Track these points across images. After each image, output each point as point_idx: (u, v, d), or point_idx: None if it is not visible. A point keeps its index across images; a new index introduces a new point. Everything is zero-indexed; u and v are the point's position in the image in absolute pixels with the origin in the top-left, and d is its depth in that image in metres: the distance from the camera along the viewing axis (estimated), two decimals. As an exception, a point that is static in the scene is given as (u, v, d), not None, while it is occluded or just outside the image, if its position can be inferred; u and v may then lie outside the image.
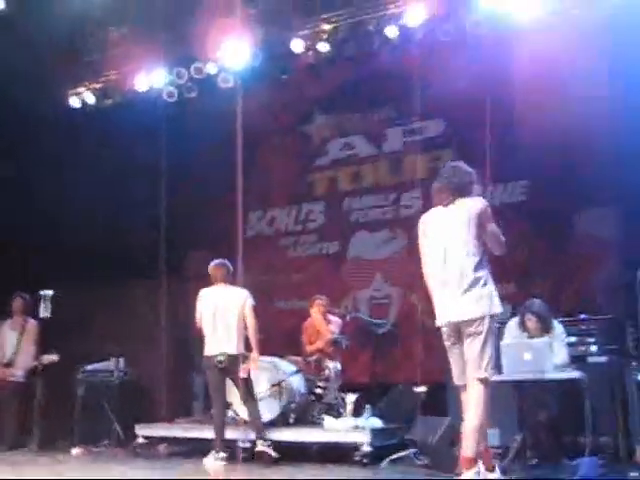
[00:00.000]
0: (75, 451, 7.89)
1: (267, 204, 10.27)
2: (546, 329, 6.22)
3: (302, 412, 7.63)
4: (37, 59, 8.91)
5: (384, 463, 6.59)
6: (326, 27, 8.81)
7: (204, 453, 7.00)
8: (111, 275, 9.19)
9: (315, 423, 7.46)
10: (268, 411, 7.35)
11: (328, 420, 7.20)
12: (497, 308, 4.95)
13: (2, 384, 8.53)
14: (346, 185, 9.86)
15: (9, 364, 8.59)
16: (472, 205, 5.06)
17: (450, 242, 5.02)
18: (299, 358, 8.07)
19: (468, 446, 4.78)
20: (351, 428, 7.00)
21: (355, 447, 6.74)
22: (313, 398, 7.74)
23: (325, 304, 8.28)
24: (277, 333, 8.84)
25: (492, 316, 4.94)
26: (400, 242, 9.28)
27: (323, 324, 8.20)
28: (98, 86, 9.93)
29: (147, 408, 8.91)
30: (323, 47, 8.86)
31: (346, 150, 9.89)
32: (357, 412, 7.33)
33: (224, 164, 9.42)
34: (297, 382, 7.68)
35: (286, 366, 7.76)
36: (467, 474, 4.74)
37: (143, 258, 9.80)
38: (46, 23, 8.67)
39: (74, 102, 9.99)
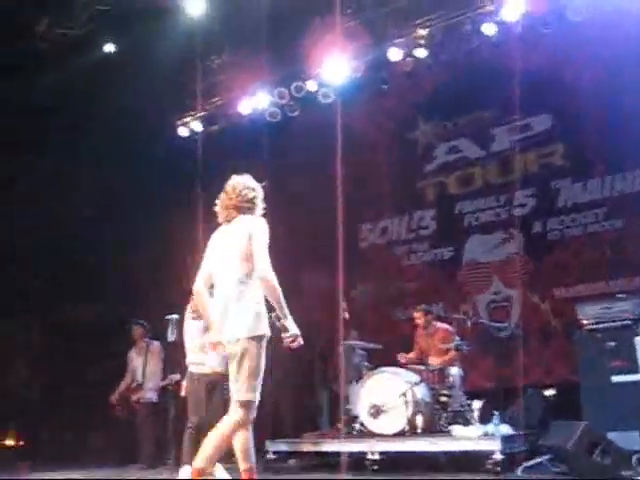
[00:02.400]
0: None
1: (378, 215, 10.26)
2: None
3: (429, 422, 7.53)
4: (147, 94, 9.26)
5: (519, 471, 6.40)
6: (421, 32, 8.74)
7: (333, 466, 7.02)
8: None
9: (443, 432, 7.35)
10: (395, 422, 7.30)
11: (457, 428, 7.07)
12: (261, 330, 4.68)
13: (136, 406, 8.90)
14: (456, 189, 9.73)
15: (140, 387, 8.95)
16: (250, 224, 4.82)
17: (224, 260, 4.79)
18: (422, 367, 7.98)
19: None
20: (481, 436, 6.86)
21: (486, 455, 6.59)
22: (439, 407, 7.63)
23: (423, 313, 8.20)
24: (396, 343, 8.78)
25: (255, 338, 4.66)
26: (516, 242, 9.07)
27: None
28: (204, 114, 10.21)
29: (274, 424, 9.02)
30: (421, 53, 8.79)
31: (453, 154, 9.76)
32: (485, 419, 7.17)
33: (330, 178, 9.48)
34: (421, 392, 7.59)
35: (409, 376, 7.69)
36: None
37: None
38: (153, 58, 9.02)
39: (182, 132, 10.30)
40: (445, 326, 8.21)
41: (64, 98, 9.48)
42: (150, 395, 8.94)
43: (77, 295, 10.60)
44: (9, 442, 10.68)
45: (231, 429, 4.67)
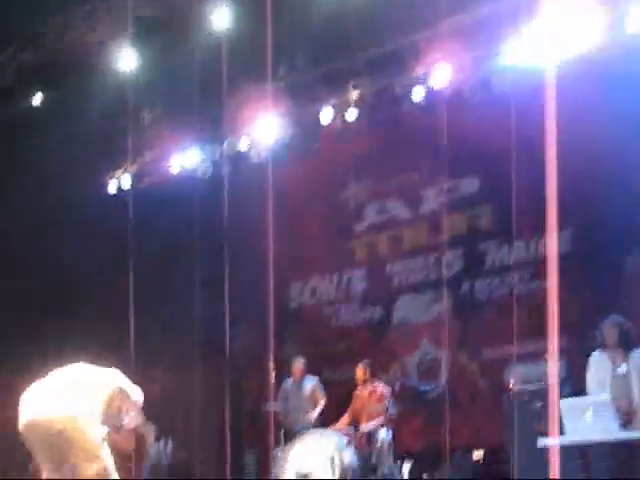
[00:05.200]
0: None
1: (308, 274, 10.22)
2: (627, 346, 5.79)
3: (357, 486, 7.38)
4: (77, 150, 9.11)
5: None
6: (353, 94, 8.87)
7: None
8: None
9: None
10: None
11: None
12: None
13: None
14: (386, 249, 9.78)
15: None
16: None
17: None
18: (350, 429, 7.86)
19: None
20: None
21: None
22: (368, 471, 7.50)
23: (363, 369, 8.11)
24: (327, 404, 8.66)
25: None
26: (445, 303, 9.12)
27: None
28: (133, 169, 10.09)
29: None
30: (351, 114, 8.92)
31: (383, 214, 9.84)
32: (414, 481, 7.08)
33: (261, 238, 9.41)
34: (349, 455, 7.45)
35: (337, 439, 7.55)
36: None
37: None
38: (83, 113, 8.90)
39: (111, 188, 10.15)
40: (383, 386, 8.13)
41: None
42: None
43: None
44: None
45: None
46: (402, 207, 9.73)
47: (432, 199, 9.44)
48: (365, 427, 7.77)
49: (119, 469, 4.81)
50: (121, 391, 4.94)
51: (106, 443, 4.59)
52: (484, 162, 8.65)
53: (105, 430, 4.65)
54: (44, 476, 4.76)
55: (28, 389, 4.85)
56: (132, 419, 4.85)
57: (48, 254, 9.61)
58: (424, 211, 9.55)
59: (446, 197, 9.28)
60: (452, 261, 9.15)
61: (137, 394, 5.01)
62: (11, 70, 8.94)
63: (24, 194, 9.38)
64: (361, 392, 8.14)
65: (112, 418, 4.73)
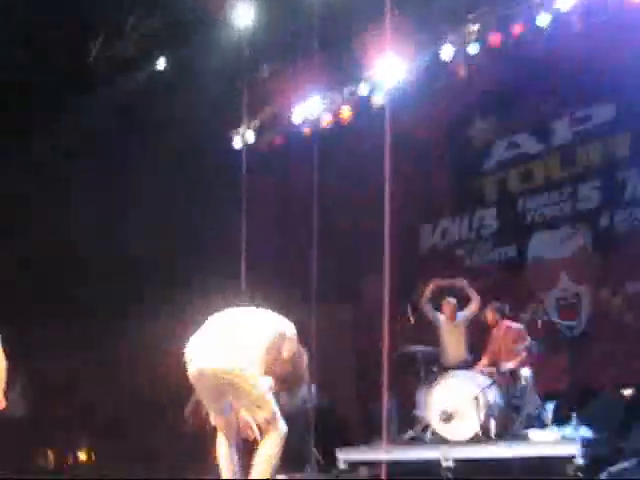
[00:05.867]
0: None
1: (437, 215, 10.07)
2: None
3: (502, 426, 7.31)
4: (200, 108, 9.27)
5: (603, 476, 6.13)
6: (474, 27, 8.55)
7: (407, 474, 6.87)
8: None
9: (517, 437, 7.12)
10: (467, 428, 7.11)
11: (534, 433, 6.83)
12: None
13: None
14: (517, 186, 9.49)
15: None
16: None
17: None
18: (493, 369, 7.75)
19: None
20: (560, 439, 6.61)
21: (567, 460, 6.33)
22: (512, 410, 7.40)
23: (493, 312, 7.94)
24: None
25: None
26: (583, 237, 8.79)
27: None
28: (257, 123, 10.17)
29: (342, 433, 8.89)
30: (473, 49, 8.60)
31: (512, 150, 9.53)
32: (561, 421, 6.93)
33: (386, 183, 9.31)
34: (494, 395, 7.38)
35: (481, 379, 7.49)
36: None
37: (323, 284, 9.86)
38: (203, 71, 9.03)
39: (236, 142, 10.27)
40: (517, 326, 7.94)
41: (123, 115, 9.58)
42: None
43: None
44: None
45: None
46: (532, 141, 9.37)
47: (564, 130, 9.04)
48: (506, 366, 7.66)
49: (276, 392, 4.97)
50: (278, 335, 5.06)
51: (271, 392, 4.72)
52: (620, 87, 8.18)
53: (270, 381, 4.77)
54: (212, 420, 4.97)
55: (192, 336, 5.00)
56: (289, 352, 5.00)
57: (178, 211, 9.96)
58: (555, 143, 9.16)
59: (579, 127, 8.87)
60: (589, 194, 8.78)
61: (291, 330, 5.12)
62: (135, 37, 9.16)
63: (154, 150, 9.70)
64: (496, 333, 8.00)
65: (272, 359, 4.87)
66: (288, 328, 4.74)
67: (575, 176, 8.94)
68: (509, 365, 7.60)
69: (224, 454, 4.69)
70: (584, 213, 8.70)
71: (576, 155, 8.96)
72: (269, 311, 4.86)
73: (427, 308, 8.30)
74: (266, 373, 4.55)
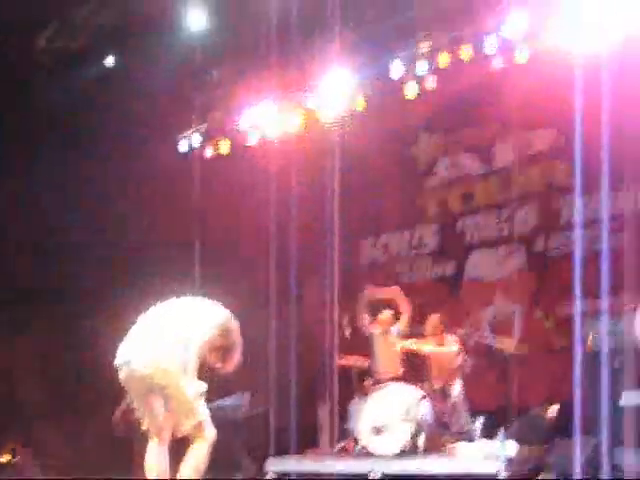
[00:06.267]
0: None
1: (378, 230, 10.18)
2: None
3: (431, 441, 7.41)
4: (149, 108, 9.21)
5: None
6: (424, 46, 8.67)
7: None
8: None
9: (445, 452, 7.23)
10: (396, 442, 7.19)
11: (462, 448, 6.94)
12: None
13: None
14: (458, 205, 9.66)
15: None
16: None
17: None
18: (424, 384, 7.86)
19: None
20: (485, 455, 6.73)
21: (491, 477, 6.45)
22: (441, 426, 7.52)
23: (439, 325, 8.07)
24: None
25: None
26: (519, 258, 8.99)
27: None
28: (203, 128, 10.13)
29: (276, 443, 8.87)
30: (422, 67, 8.73)
31: (455, 169, 9.70)
32: (488, 437, 7.06)
33: (332, 195, 9.38)
34: (424, 410, 7.48)
35: (412, 393, 7.58)
36: None
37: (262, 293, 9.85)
38: (153, 73, 8.98)
39: (183, 146, 10.22)
40: (454, 341, 8.09)
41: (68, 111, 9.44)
42: None
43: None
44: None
45: None
46: (474, 162, 9.56)
47: (506, 153, 9.24)
48: (438, 382, 7.77)
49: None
50: (216, 329, 4.97)
51: (202, 398, 4.69)
52: (563, 114, 8.38)
53: (202, 386, 4.76)
54: (144, 424, 4.90)
55: (123, 338, 4.91)
56: (228, 360, 4.91)
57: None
58: (497, 166, 9.36)
59: (520, 151, 9.08)
60: (525, 217, 8.99)
61: (227, 318, 4.98)
62: (85, 32, 9.06)
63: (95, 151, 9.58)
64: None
65: (208, 352, 4.81)
66: (225, 319, 4.73)
67: (513, 199, 9.14)
68: (440, 380, 7.72)
69: (154, 461, 4.61)
70: (520, 235, 8.89)
71: (516, 179, 9.16)
72: (206, 300, 4.82)
73: (362, 320, 8.38)
74: (201, 364, 4.54)
